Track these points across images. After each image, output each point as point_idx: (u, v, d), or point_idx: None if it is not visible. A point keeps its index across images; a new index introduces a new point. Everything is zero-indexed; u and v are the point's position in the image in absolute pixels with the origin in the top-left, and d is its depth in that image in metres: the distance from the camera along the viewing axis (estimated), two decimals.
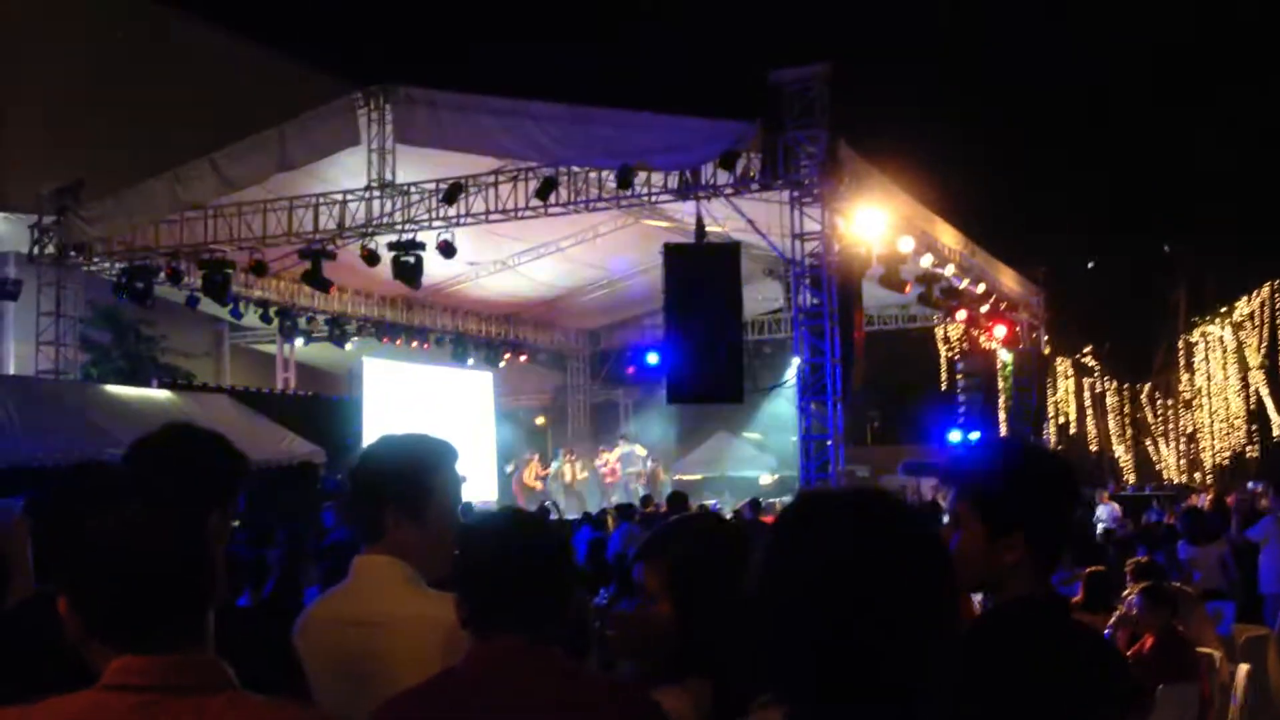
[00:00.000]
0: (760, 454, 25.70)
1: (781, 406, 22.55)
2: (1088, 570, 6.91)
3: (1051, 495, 2.15)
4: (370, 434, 19.27)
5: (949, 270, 17.96)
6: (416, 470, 2.52)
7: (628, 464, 23.45)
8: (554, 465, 23.45)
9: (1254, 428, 27.40)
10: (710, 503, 18.56)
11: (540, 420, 29.06)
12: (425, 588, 2.47)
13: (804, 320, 14.43)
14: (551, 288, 22.42)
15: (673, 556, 2.13)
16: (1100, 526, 16.40)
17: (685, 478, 25.13)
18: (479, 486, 21.75)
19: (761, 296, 21.93)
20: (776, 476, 24.18)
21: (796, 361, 14.97)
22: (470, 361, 23.78)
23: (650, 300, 20.37)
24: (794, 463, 16.45)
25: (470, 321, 23.71)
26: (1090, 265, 31.05)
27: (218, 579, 1.76)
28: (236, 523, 2.41)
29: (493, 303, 23.06)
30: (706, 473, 25.28)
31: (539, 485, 22.94)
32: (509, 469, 23.32)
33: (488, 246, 19.17)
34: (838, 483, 13.27)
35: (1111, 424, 29.69)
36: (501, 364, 24.48)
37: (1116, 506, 18.62)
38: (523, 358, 25.00)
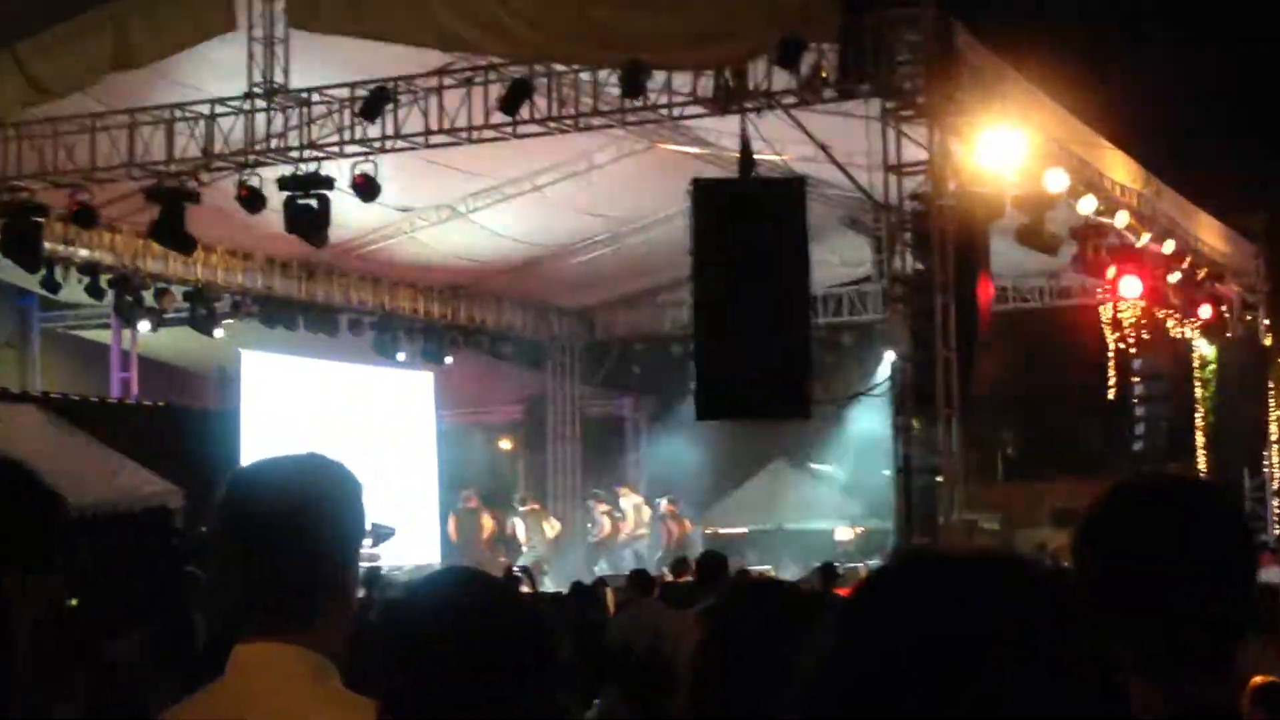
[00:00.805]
0: (836, 496, 25.74)
1: (868, 425, 22.55)
2: None
3: (1144, 551, 2.14)
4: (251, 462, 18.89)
5: (1121, 220, 17.93)
6: (323, 512, 2.53)
7: (638, 523, 23.66)
8: (516, 522, 23.46)
9: None
10: (761, 569, 18.56)
11: (506, 443, 29.10)
12: (339, 688, 2.48)
13: (902, 295, 14.41)
14: (523, 247, 22.47)
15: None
16: None
17: (724, 532, 25.08)
18: (412, 543, 21.82)
19: (839, 259, 21.94)
20: (860, 530, 24.13)
21: (890, 357, 14.95)
22: (401, 356, 23.84)
23: (671, 265, 20.32)
24: (886, 509, 16.39)
25: (402, 296, 23.78)
26: None
27: (20, 678, 1.76)
28: (57, 598, 2.43)
29: (436, 268, 23.13)
30: (755, 524, 25.30)
31: (484, 547, 23.05)
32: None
33: (428, 184, 19.20)
34: (953, 542, 13.26)
35: None
36: (448, 360, 24.55)
37: None
38: (480, 351, 25.04)
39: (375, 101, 15.39)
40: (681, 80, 14.76)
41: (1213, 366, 23.41)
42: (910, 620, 1.39)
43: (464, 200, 20.49)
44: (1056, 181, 15.56)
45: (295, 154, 16.06)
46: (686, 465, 25.37)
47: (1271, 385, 25.40)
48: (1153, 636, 2.15)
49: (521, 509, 23.68)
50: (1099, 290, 22.64)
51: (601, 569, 21.33)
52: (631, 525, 23.93)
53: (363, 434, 22.24)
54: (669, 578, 15.66)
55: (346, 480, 2.60)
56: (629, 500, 24.30)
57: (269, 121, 16.02)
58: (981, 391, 14.82)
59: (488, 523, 23.76)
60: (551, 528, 23.77)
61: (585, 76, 15.25)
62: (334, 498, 2.57)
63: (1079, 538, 2.25)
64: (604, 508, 24.07)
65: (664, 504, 23.65)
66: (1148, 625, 2.15)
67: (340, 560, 2.58)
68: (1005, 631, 1.37)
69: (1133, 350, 24.51)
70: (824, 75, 14.13)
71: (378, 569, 16.27)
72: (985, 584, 1.40)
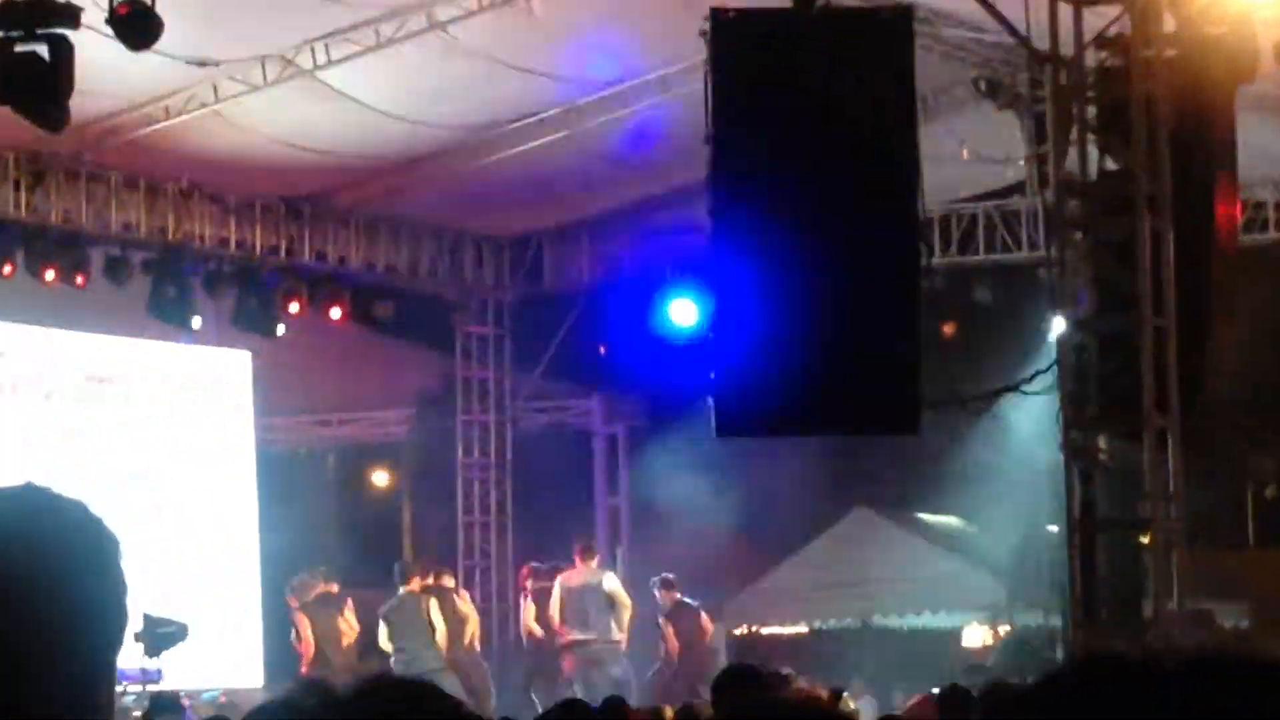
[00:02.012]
0: (966, 570, 25.82)
1: (1022, 444, 22.52)
2: None
3: None
4: None
5: None
6: (52, 585, 2.51)
7: (592, 610, 23.27)
8: (395, 608, 23.21)
9: None
10: (836, 692, 18.56)
11: (382, 479, 29.01)
12: None
13: (1081, 217, 14.47)
14: (414, 129, 22.64)
15: None
16: None
17: (767, 633, 25.06)
18: (216, 652, 21.74)
19: (969, 152, 21.93)
20: (1007, 629, 24.14)
21: (1059, 326, 14.96)
22: (198, 322, 23.85)
23: (673, 162, 20.36)
24: (1054, 594, 16.28)
25: (200, 217, 23.78)
26: None
27: None
28: None
29: (261, 167, 23.21)
30: (822, 618, 25.39)
31: (347, 656, 22.89)
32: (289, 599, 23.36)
33: (245, 21, 19.29)
34: (1168, 641, 13.27)
35: None
36: (280, 329, 24.53)
37: None
38: (335, 313, 25.06)
39: None
40: None
41: None
42: None
43: (308, 48, 20.51)
44: None
45: None
46: (698, 517, 25.36)
47: None
48: None
49: (407, 586, 23.43)
50: None
51: (547, 696, 21.30)
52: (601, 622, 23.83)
53: (128, 456, 22.24)
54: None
55: (92, 533, 2.57)
56: (587, 578, 24.08)
57: None
58: (1221, 385, 14.83)
59: (349, 620, 23.57)
60: (468, 618, 23.69)
61: None
62: (72, 561, 2.55)
63: None
64: (540, 583, 24.01)
65: (656, 589, 23.56)
66: None
67: (82, 672, 2.55)
68: None
69: None
70: None
71: (164, 695, 16.32)
72: (1215, 709, 1.41)
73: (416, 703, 2.24)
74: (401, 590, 23.14)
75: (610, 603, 23.42)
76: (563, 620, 23.33)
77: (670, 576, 23.56)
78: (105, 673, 2.56)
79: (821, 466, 25.34)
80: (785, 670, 17.21)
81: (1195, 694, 1.48)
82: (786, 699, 12.42)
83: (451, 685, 21.57)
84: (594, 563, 23.94)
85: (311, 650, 23.06)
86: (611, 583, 23.69)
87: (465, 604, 23.88)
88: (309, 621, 23.13)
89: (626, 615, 23.51)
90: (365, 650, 23.66)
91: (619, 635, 23.38)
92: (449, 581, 24.06)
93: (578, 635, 23.25)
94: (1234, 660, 1.52)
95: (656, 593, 23.46)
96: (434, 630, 22.85)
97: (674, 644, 23.17)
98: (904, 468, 24.89)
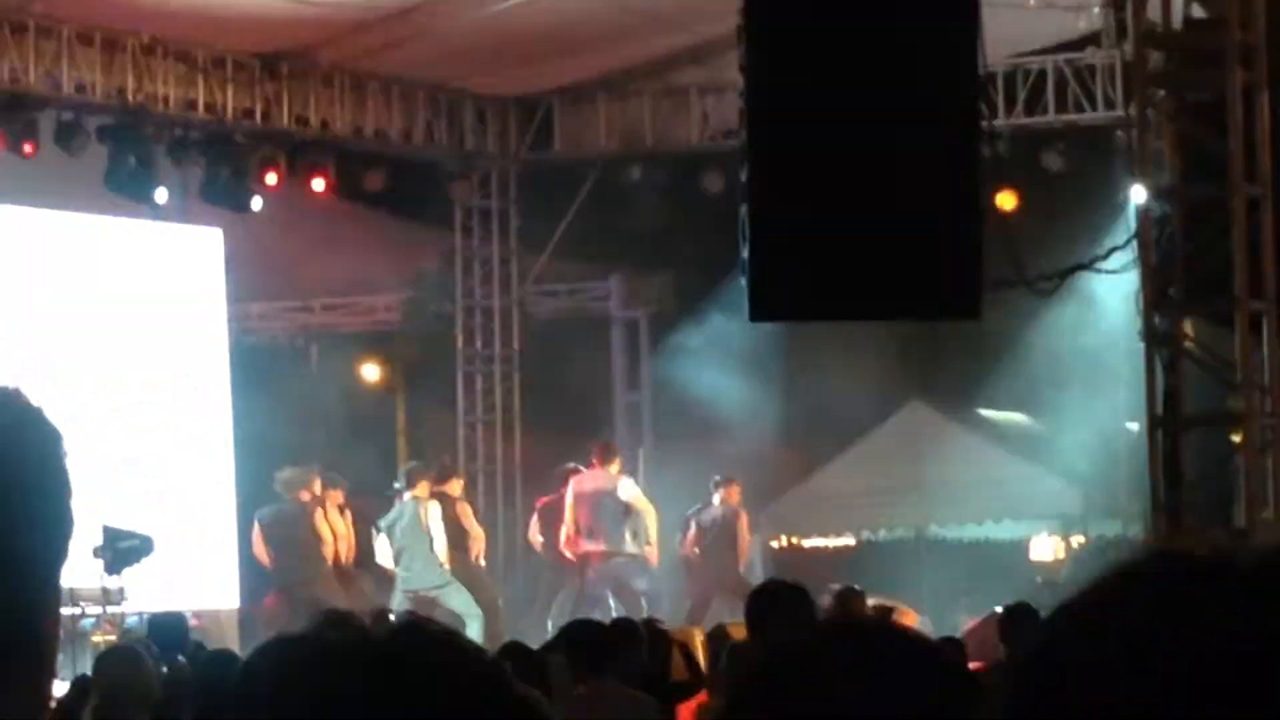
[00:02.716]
0: (1034, 474, 25.94)
1: (1099, 330, 22.47)
2: None
3: None
4: None
5: None
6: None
7: (606, 519, 23.22)
8: (395, 520, 23.20)
9: None
10: (885, 606, 18.64)
11: (373, 373, 29.04)
12: None
13: (1164, 72, 14.41)
14: None
15: None
16: None
17: (810, 545, 25.06)
18: (186, 569, 21.86)
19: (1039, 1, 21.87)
20: (1082, 541, 24.15)
21: (1139, 195, 14.95)
22: (162, 195, 23.88)
23: (701, 13, 20.32)
24: (1133, 500, 16.34)
25: (164, 76, 23.76)
26: None
27: None
28: None
29: (232, 18, 23.08)
30: (872, 528, 25.48)
31: (333, 571, 22.85)
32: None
33: None
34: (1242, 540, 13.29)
35: None
36: (255, 204, 24.43)
37: None
38: (318, 185, 24.95)
39: None
40: None
41: None
42: (1143, 680, 1.45)
43: None
44: None
45: None
46: (731, 415, 25.37)
47: None
48: None
49: (410, 489, 23.40)
50: None
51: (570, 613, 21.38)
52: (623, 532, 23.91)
53: (79, 347, 22.26)
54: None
55: (30, 422, 2.58)
56: (602, 483, 24.08)
57: None
58: None
59: (335, 523, 23.51)
60: (471, 532, 23.71)
61: None
62: (12, 459, 2.56)
63: None
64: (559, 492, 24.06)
65: (718, 488, 23.53)
66: None
67: (19, 588, 2.57)
68: None
69: None
70: None
71: (167, 617, 16.46)
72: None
73: (448, 667, 2.22)
74: (407, 497, 23.12)
75: (626, 512, 23.45)
76: (576, 530, 23.42)
77: (731, 475, 23.68)
78: (49, 590, 2.52)
79: (871, 356, 25.27)
80: (855, 586, 17.27)
81: (1270, 596, 1.49)
82: (840, 619, 12.40)
83: (459, 602, 21.76)
84: (613, 467, 23.96)
85: (265, 562, 23.09)
86: (629, 490, 23.70)
87: (469, 518, 23.87)
88: (261, 531, 23.04)
89: (650, 523, 23.56)
90: (360, 562, 23.69)
91: (637, 548, 23.44)
92: (455, 489, 24.08)
93: (590, 546, 23.33)
94: None
95: (719, 494, 23.47)
96: (432, 541, 22.86)
97: (688, 548, 23.35)
98: (964, 357, 24.85)
